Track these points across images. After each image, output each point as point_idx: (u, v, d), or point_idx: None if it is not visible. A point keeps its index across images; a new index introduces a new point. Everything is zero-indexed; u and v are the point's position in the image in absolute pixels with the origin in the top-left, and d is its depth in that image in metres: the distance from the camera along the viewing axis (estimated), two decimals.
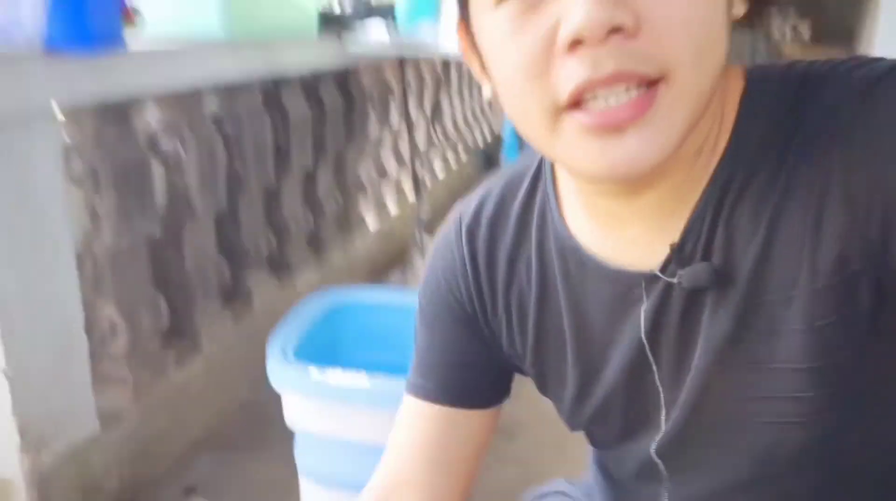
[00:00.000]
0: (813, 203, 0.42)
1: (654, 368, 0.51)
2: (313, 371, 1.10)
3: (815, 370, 0.45)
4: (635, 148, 0.40)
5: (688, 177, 0.46)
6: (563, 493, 0.72)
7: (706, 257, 0.46)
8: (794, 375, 0.45)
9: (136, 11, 1.50)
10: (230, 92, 1.65)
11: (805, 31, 3.93)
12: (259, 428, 1.54)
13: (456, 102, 3.61)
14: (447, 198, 3.64)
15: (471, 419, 0.60)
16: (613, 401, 0.53)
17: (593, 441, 0.61)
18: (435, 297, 0.59)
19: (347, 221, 2.38)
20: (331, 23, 2.05)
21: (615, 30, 0.37)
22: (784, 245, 0.44)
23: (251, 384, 1.74)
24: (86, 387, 1.24)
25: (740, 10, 0.44)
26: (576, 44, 0.38)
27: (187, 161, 1.48)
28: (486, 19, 0.43)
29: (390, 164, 2.83)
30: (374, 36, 2.04)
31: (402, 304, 1.42)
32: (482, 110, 4.31)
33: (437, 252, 0.59)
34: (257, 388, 1.75)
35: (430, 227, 3.16)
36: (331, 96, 2.15)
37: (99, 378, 1.32)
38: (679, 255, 0.46)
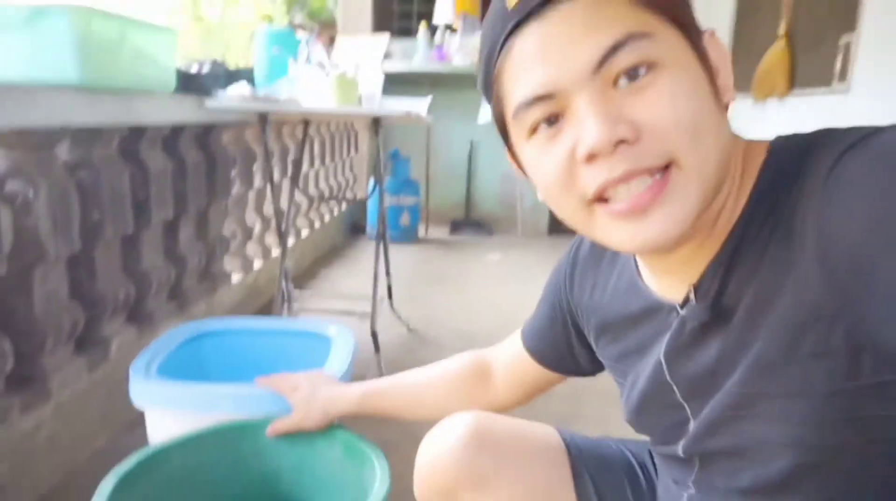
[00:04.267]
0: (795, 255, 0.49)
1: (674, 387, 0.62)
2: (176, 385, 1.12)
3: (800, 396, 0.51)
4: (660, 224, 0.51)
5: (710, 236, 0.56)
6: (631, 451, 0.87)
7: (717, 297, 0.56)
8: (784, 401, 0.52)
9: None
10: (84, 139, 1.66)
11: None
12: None
13: (317, 164, 3.73)
14: (312, 255, 3.69)
15: (536, 368, 0.88)
16: (647, 407, 0.67)
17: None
18: (550, 282, 0.83)
19: (210, 274, 2.37)
20: (189, 82, 2.12)
21: (620, 142, 0.50)
22: (773, 287, 0.51)
23: (108, 434, 1.67)
24: None
25: (730, 98, 0.55)
26: (592, 157, 0.51)
27: (37, 203, 1.46)
28: (523, 147, 0.58)
29: (254, 221, 2.86)
30: (233, 92, 2.13)
31: (265, 329, 1.46)
32: (345, 176, 4.46)
33: (561, 258, 0.82)
34: (115, 438, 1.68)
35: (298, 281, 3.18)
36: (191, 152, 2.19)
37: None
38: (697, 294, 0.57)
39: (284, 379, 1.07)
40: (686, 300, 0.59)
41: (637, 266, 0.67)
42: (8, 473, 1.35)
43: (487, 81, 0.58)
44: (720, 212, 0.55)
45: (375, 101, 2.10)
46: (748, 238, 0.54)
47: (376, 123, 2.18)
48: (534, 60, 0.52)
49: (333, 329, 1.42)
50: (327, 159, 3.94)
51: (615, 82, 0.51)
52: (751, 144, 0.57)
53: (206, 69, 2.24)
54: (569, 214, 0.56)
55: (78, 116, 1.55)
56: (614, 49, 0.50)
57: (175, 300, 2.13)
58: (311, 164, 3.63)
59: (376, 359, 2.16)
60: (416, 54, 4.46)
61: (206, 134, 2.30)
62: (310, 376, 1.08)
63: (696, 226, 0.54)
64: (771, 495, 0.57)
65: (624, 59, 0.50)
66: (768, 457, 0.55)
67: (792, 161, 0.52)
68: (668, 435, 0.65)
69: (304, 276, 3.39)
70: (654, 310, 0.64)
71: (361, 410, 1.00)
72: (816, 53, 3.11)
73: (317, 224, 3.79)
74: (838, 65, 2.99)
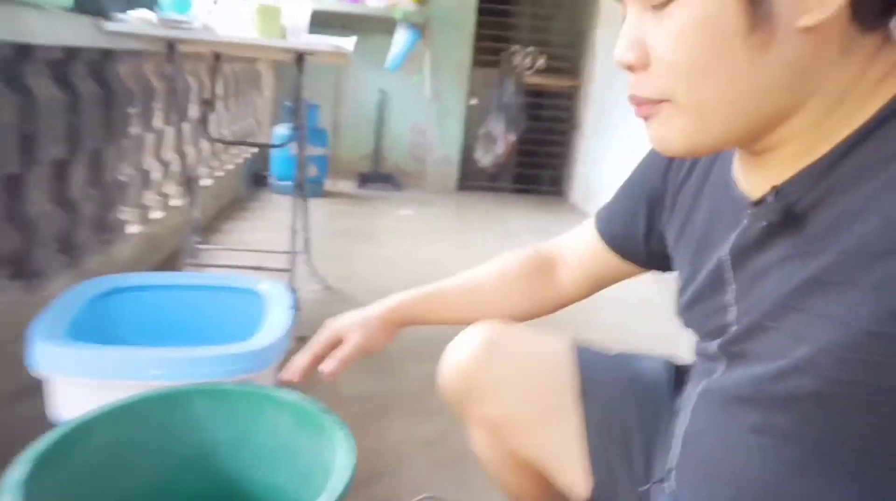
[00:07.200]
0: None
1: (733, 285, 0.60)
2: (92, 350, 0.97)
3: (840, 325, 0.49)
4: (655, 136, 0.56)
5: (814, 143, 0.52)
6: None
7: (796, 202, 0.53)
8: (823, 324, 0.50)
9: None
10: None
11: (541, 63, 4.55)
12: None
13: (220, 108, 3.46)
14: (214, 207, 3.45)
15: (611, 261, 0.85)
16: (698, 303, 0.65)
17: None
18: (644, 165, 0.79)
19: (106, 224, 2.13)
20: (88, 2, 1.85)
21: (628, 66, 0.54)
22: (861, 209, 0.48)
23: None
24: None
25: (816, 18, 0.47)
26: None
27: None
28: None
29: (152, 167, 2.61)
30: (137, 15, 1.88)
31: (185, 285, 1.32)
32: (247, 122, 4.19)
33: None
34: None
35: (201, 235, 2.95)
36: (86, 82, 1.93)
37: None
38: (777, 196, 0.54)
39: (321, 344, 0.91)
40: (763, 200, 0.56)
41: (733, 160, 0.64)
42: None
43: None
44: (829, 120, 0.51)
45: (301, 34, 1.92)
46: (858, 155, 0.50)
47: (300, 59, 2.01)
48: None
49: (264, 285, 1.30)
50: (231, 102, 3.66)
51: (655, 4, 0.51)
52: None
53: None
54: None
55: None
56: None
57: (67, 254, 1.90)
58: (220, 108, 3.35)
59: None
60: None
61: (102, 61, 2.03)
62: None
63: (775, 137, 0.54)
64: (767, 409, 0.57)
65: None
66: (784, 373, 0.54)
67: None
68: (711, 334, 0.65)
69: (207, 230, 3.15)
70: (733, 203, 0.61)
71: (421, 317, 0.90)
72: None
73: (218, 173, 3.53)
74: None
